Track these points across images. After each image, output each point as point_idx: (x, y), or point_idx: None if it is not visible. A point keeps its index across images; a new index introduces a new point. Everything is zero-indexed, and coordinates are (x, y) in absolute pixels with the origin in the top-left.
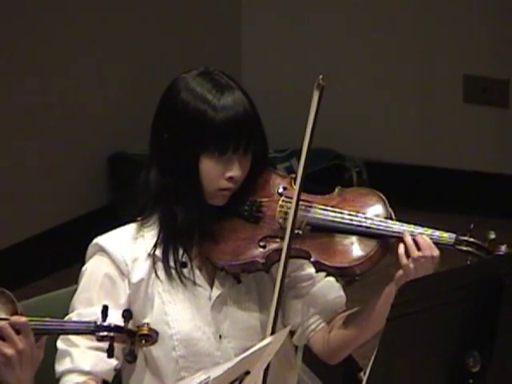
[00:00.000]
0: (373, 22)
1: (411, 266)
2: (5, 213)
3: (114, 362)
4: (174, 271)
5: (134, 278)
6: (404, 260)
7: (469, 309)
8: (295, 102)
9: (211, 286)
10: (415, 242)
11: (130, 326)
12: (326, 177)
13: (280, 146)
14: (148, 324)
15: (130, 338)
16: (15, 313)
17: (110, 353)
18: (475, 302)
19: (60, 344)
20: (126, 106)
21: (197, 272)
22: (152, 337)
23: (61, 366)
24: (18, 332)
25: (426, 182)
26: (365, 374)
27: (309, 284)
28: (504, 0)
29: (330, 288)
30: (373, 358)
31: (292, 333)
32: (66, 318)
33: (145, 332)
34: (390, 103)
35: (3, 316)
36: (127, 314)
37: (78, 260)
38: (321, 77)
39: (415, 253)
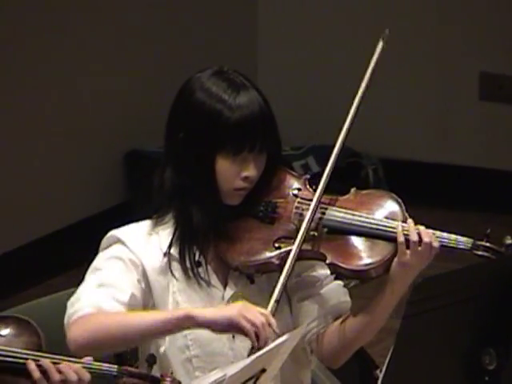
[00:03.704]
0: (388, 20)
1: (408, 251)
2: (21, 211)
3: (122, 308)
4: (190, 271)
5: (150, 275)
6: (403, 248)
7: (485, 307)
8: (312, 100)
9: (224, 285)
10: (417, 230)
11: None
12: (342, 174)
13: (296, 143)
14: (172, 373)
15: None
16: (40, 346)
17: None
18: (491, 299)
19: (70, 300)
20: (141, 104)
21: (211, 272)
22: None
23: (69, 311)
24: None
25: (441, 179)
26: (381, 371)
27: (317, 286)
28: None
29: (337, 292)
30: (389, 355)
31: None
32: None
33: (167, 382)
34: (406, 101)
35: (32, 352)
36: (151, 360)
37: (94, 257)
38: (387, 31)
39: (415, 237)
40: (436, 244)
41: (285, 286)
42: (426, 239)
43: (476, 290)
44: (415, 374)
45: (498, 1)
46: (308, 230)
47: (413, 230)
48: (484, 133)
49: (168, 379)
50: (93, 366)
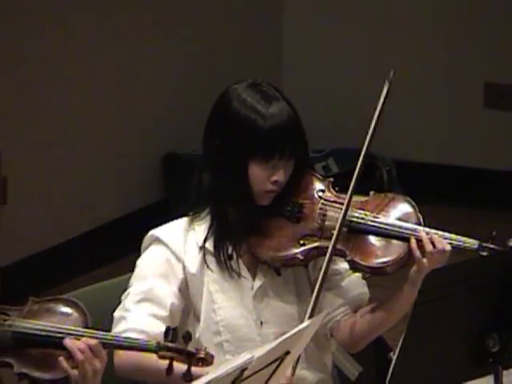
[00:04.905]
0: (399, 34)
1: (424, 260)
2: (69, 208)
3: (162, 324)
4: (223, 264)
5: (189, 268)
6: (417, 254)
7: (489, 295)
8: (333, 108)
9: (254, 277)
10: (430, 239)
11: (190, 346)
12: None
13: (318, 146)
14: (206, 348)
15: (188, 360)
16: (86, 324)
17: (169, 371)
18: (495, 289)
19: (116, 312)
20: (178, 110)
21: (242, 264)
22: (208, 360)
23: (116, 330)
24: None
25: (449, 179)
26: (394, 354)
27: (338, 278)
28: None
29: (356, 284)
30: (401, 339)
31: None
32: (124, 295)
33: (202, 356)
34: (418, 108)
35: (80, 329)
36: (187, 336)
37: (135, 250)
38: (392, 72)
39: (429, 247)
40: (448, 248)
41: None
42: (439, 246)
43: (481, 280)
44: (425, 356)
45: (501, 19)
46: (333, 229)
47: (426, 240)
48: (488, 137)
49: (202, 352)
50: (134, 341)
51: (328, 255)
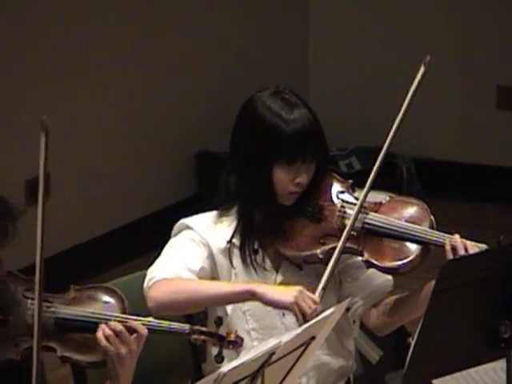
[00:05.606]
0: (419, 37)
1: None
2: (109, 202)
3: (194, 276)
4: (248, 258)
5: (216, 256)
6: (451, 256)
7: (502, 284)
8: (356, 109)
9: (277, 271)
10: (464, 245)
11: (221, 330)
12: (380, 172)
13: (341, 145)
14: (236, 331)
15: (219, 342)
16: (124, 310)
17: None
18: (508, 278)
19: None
20: (211, 110)
21: (266, 259)
22: (238, 343)
23: (148, 276)
24: (131, 333)
25: (464, 176)
26: (413, 338)
27: (363, 269)
28: None
29: (379, 273)
30: (420, 325)
31: (347, 309)
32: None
33: (232, 339)
34: (435, 110)
35: (118, 315)
36: (218, 321)
37: (167, 242)
38: (428, 57)
39: (462, 251)
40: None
41: (332, 274)
42: (472, 252)
43: (495, 270)
44: (442, 341)
45: None
46: (352, 230)
47: (460, 244)
48: (501, 136)
49: (233, 336)
50: (172, 326)
51: (337, 251)
